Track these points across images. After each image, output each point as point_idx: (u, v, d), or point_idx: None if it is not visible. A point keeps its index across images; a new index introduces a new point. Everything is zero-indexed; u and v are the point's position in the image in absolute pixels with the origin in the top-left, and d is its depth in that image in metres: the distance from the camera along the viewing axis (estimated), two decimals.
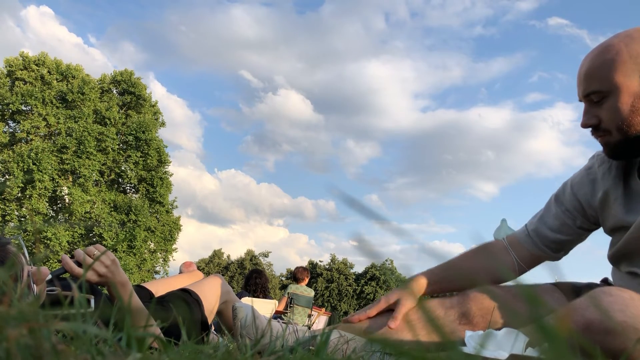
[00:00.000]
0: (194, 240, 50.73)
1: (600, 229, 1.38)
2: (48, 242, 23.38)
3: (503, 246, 1.46)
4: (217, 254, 46.05)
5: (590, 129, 1.23)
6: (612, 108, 1.16)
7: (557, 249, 1.41)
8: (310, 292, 6.76)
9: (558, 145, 51.12)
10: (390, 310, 1.35)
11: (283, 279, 44.10)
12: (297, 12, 53.40)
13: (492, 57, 55.50)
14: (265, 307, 5.67)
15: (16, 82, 25.27)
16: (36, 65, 25.59)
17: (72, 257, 1.37)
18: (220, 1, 50.09)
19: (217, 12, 49.25)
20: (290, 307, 6.41)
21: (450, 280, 1.41)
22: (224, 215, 55.44)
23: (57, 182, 24.60)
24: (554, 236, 1.39)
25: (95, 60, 39.52)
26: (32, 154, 23.46)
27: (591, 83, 1.18)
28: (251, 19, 50.09)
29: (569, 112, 51.78)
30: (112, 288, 1.38)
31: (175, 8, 48.58)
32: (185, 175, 46.38)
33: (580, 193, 1.37)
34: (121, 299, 1.33)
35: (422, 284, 1.39)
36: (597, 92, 1.17)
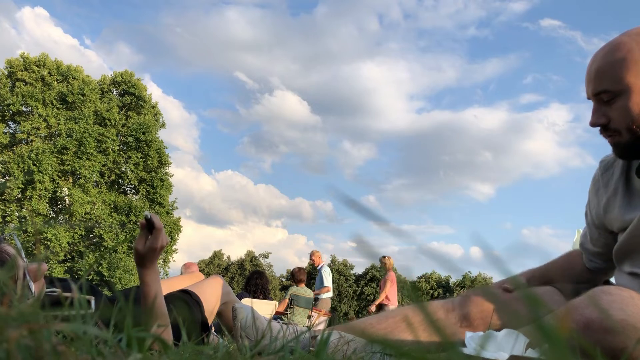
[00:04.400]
0: (192, 242, 50.72)
1: None
2: (48, 243, 23.38)
3: (581, 255, 1.50)
4: (217, 255, 46.04)
5: (598, 128, 1.20)
6: (623, 108, 1.14)
7: (604, 260, 1.42)
8: (310, 293, 6.77)
9: (554, 146, 51.23)
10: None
11: (283, 279, 44.08)
12: (291, 14, 53.54)
13: (486, 58, 55.72)
14: (265, 308, 5.66)
15: (17, 83, 25.29)
16: (37, 66, 25.61)
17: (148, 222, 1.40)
18: (214, 3, 50.20)
19: (212, 14, 49.38)
20: (290, 308, 6.41)
21: (550, 278, 1.46)
22: (222, 217, 55.50)
23: (58, 183, 24.61)
24: (593, 249, 1.42)
25: (91, 62, 39.63)
26: (32, 155, 23.47)
27: (602, 82, 1.15)
28: (245, 20, 50.20)
29: (564, 113, 51.92)
30: (148, 270, 1.38)
31: (170, 10, 48.73)
32: (183, 176, 46.41)
33: (591, 206, 1.39)
34: (151, 284, 1.36)
35: (527, 276, 1.46)
36: (608, 91, 1.14)
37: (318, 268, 7.91)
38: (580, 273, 1.46)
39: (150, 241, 1.38)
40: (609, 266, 1.42)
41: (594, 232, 1.40)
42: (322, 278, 7.70)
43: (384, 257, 7.77)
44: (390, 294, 7.67)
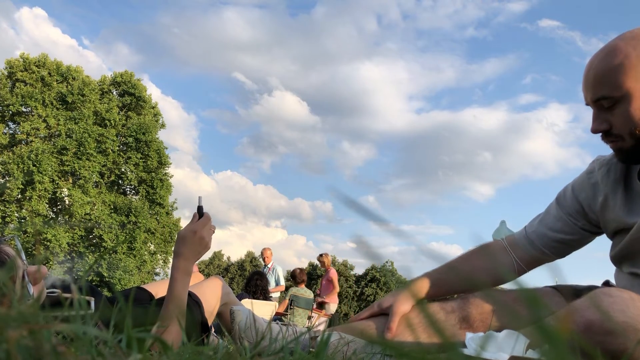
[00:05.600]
0: None
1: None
2: (48, 243, 23.37)
3: (502, 246, 1.45)
4: (217, 255, 46.06)
5: (600, 134, 1.20)
6: (624, 114, 1.13)
7: (558, 251, 1.39)
8: (310, 294, 6.77)
9: (553, 146, 51.22)
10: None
11: None
12: (289, 15, 53.58)
13: (485, 58, 55.81)
14: (265, 309, 5.66)
15: (16, 84, 25.29)
16: (37, 66, 25.61)
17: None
18: (212, 3, 50.23)
19: (210, 15, 49.40)
20: (290, 308, 6.41)
21: (449, 283, 1.40)
22: (221, 217, 55.48)
23: (57, 183, 24.61)
24: (556, 235, 1.38)
25: (90, 63, 39.64)
26: (32, 155, 23.47)
27: (601, 88, 1.15)
28: (244, 21, 50.23)
29: (563, 114, 51.94)
30: (181, 262, 1.39)
31: (168, 10, 48.76)
32: (182, 176, 46.38)
33: (582, 196, 1.36)
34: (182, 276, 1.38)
35: (420, 287, 1.39)
36: (608, 97, 1.14)
37: (269, 266, 7.80)
38: (488, 272, 1.41)
39: (193, 225, 1.41)
40: (551, 259, 1.40)
41: (572, 220, 1.37)
42: (278, 277, 7.65)
43: (322, 255, 7.69)
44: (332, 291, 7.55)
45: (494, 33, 52.42)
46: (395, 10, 51.52)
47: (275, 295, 7.47)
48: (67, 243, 24.18)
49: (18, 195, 24.02)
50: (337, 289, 7.61)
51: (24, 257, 1.27)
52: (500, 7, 51.05)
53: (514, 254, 1.43)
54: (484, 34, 52.06)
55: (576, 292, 1.33)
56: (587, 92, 1.19)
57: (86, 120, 25.37)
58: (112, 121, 26.43)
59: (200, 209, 1.45)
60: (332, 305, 7.53)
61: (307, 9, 56.41)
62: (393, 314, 1.31)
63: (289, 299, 6.51)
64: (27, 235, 22.50)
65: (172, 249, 1.46)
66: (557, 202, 1.42)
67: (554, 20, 51.50)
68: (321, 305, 7.48)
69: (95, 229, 25.26)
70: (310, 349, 1.21)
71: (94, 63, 40.37)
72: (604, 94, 1.14)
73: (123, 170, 27.15)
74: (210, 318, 1.85)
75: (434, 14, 51.96)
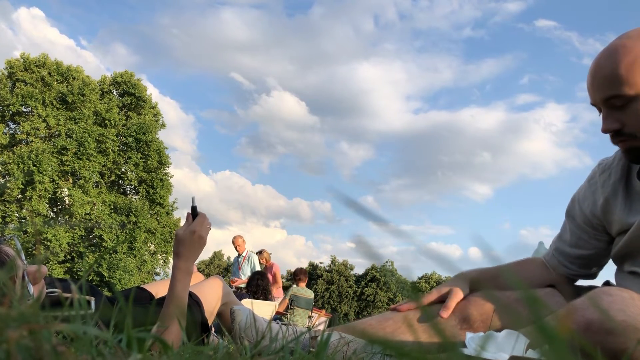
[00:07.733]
0: None
1: None
2: (48, 243, 23.38)
3: (543, 263, 1.48)
4: (217, 255, 46.08)
5: (607, 133, 1.18)
6: (637, 112, 1.12)
7: (584, 265, 1.40)
8: (311, 294, 6.76)
9: (551, 146, 51.28)
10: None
11: (283, 280, 44.06)
12: (287, 15, 53.69)
13: (482, 58, 55.93)
14: (265, 309, 5.66)
15: (17, 84, 25.29)
16: (37, 66, 25.61)
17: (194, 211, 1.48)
18: (211, 4, 50.31)
19: (208, 15, 49.50)
20: (290, 308, 6.41)
21: (499, 281, 1.41)
22: (220, 217, 55.47)
23: (57, 183, 24.61)
24: (575, 252, 1.39)
25: (88, 63, 39.63)
26: (32, 155, 23.47)
27: (612, 87, 1.12)
28: (241, 21, 50.30)
29: (560, 114, 51.99)
30: (181, 262, 1.42)
31: (166, 11, 48.83)
32: (181, 176, 46.37)
33: (585, 206, 1.37)
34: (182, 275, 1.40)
35: (475, 277, 1.40)
36: (620, 96, 1.12)
37: (244, 255, 7.41)
38: (538, 281, 1.43)
39: (191, 225, 1.43)
40: (583, 273, 1.41)
41: (584, 233, 1.37)
42: (254, 265, 7.28)
43: (261, 251, 7.41)
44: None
45: (491, 33, 52.53)
46: (392, 10, 51.65)
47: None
48: (67, 243, 24.18)
49: (18, 195, 24.03)
50: (280, 283, 7.31)
51: (23, 257, 1.27)
52: (496, 7, 51.15)
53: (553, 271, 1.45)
54: (481, 34, 52.17)
55: (577, 292, 1.33)
56: (595, 92, 1.16)
57: (86, 120, 25.37)
58: (112, 121, 26.43)
59: (194, 209, 1.47)
60: (279, 299, 7.04)
61: (304, 9, 56.52)
62: (453, 295, 1.33)
63: (289, 299, 6.51)
64: (27, 235, 22.49)
65: (171, 248, 1.48)
66: (567, 215, 1.43)
67: (551, 21, 51.61)
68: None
69: (95, 229, 25.26)
70: (310, 349, 1.21)
71: (92, 63, 40.38)
72: (616, 93, 1.12)
73: (123, 170, 27.15)
74: (211, 318, 1.85)
75: (430, 14, 52.06)
